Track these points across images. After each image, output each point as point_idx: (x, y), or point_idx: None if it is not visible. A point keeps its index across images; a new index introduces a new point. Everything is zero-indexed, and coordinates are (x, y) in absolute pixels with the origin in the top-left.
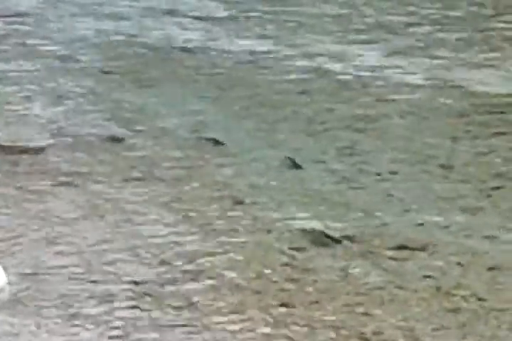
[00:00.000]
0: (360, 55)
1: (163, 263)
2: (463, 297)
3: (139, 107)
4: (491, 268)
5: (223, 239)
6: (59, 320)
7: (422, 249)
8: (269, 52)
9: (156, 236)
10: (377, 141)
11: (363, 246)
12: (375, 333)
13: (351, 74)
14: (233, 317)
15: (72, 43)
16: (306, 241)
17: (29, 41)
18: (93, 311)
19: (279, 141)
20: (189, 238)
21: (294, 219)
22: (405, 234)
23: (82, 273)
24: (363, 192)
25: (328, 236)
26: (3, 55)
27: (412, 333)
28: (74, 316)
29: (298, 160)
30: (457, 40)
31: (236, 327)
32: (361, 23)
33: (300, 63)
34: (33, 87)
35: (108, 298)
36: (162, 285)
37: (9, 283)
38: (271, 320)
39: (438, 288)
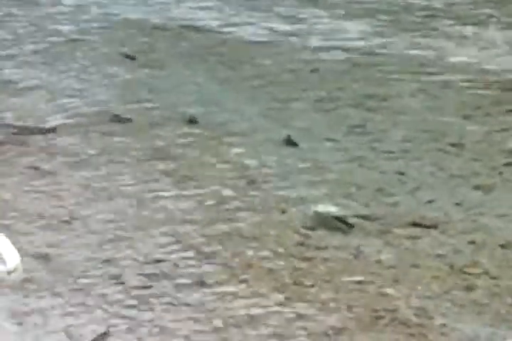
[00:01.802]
0: (371, 33)
1: (175, 242)
2: (476, 275)
3: (149, 87)
4: (503, 246)
5: (236, 218)
6: (72, 300)
7: (435, 227)
8: (279, 31)
9: (169, 216)
10: (388, 120)
11: (375, 224)
12: (387, 311)
13: (362, 52)
14: (246, 295)
15: (83, 25)
16: (319, 220)
17: (40, 21)
18: (107, 291)
19: (290, 120)
20: (201, 217)
21: (306, 198)
22: (417, 212)
23: (95, 253)
24: (374, 170)
25: (340, 216)
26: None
27: (424, 311)
28: (87, 296)
29: (308, 139)
30: (470, 16)
31: (249, 306)
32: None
33: (311, 42)
34: (42, 67)
35: (121, 277)
36: (175, 264)
37: (22, 263)
38: (283, 299)
39: (451, 266)
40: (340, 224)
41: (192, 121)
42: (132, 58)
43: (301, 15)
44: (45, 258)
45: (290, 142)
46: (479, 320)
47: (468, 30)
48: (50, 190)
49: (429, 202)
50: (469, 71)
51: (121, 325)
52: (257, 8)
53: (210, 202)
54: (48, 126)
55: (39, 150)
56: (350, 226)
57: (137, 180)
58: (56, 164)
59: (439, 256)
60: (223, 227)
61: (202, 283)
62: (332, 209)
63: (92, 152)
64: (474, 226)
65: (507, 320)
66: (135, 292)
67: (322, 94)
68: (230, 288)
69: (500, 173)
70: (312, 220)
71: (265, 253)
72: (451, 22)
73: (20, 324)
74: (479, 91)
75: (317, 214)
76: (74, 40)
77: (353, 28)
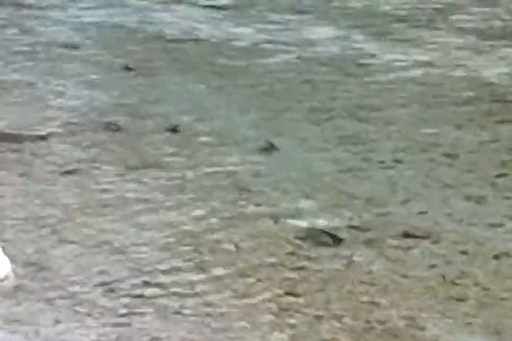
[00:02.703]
0: (363, 43)
1: (167, 251)
2: (467, 286)
3: (141, 95)
4: (495, 257)
5: (228, 227)
6: (64, 308)
7: (426, 237)
8: (271, 41)
9: (161, 224)
10: (381, 130)
11: (367, 234)
12: (379, 322)
13: (354, 62)
14: (237, 305)
15: (77, 32)
16: (311, 230)
17: (33, 28)
18: (98, 299)
19: (282, 130)
20: (194, 226)
21: (298, 208)
22: (409, 222)
23: (87, 262)
24: (367, 180)
25: (328, 230)
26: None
27: (416, 322)
28: (79, 304)
29: (302, 149)
30: (458, 28)
31: (240, 316)
32: (367, 11)
33: (303, 52)
34: (35, 74)
35: (113, 285)
36: (167, 273)
37: (13, 271)
38: (275, 309)
39: (442, 277)
40: (328, 238)
41: (175, 131)
42: (129, 69)
43: (292, 26)
44: (35, 265)
45: (271, 148)
46: (470, 331)
47: (463, 40)
48: (41, 198)
49: (421, 212)
50: (462, 81)
51: (111, 333)
52: (249, 18)
53: (200, 212)
54: (39, 133)
55: (31, 157)
56: (339, 240)
57: (128, 188)
58: (48, 172)
59: (430, 266)
60: (214, 237)
61: (193, 293)
62: (320, 222)
63: (83, 160)
64: (466, 236)
65: (498, 332)
66: (126, 300)
67: (314, 104)
68: (222, 298)
69: (493, 184)
70: (303, 227)
71: (256, 262)
72: (445, 32)
73: (11, 332)
74: (472, 102)
75: (308, 220)
76: (68, 48)
77: (344, 37)
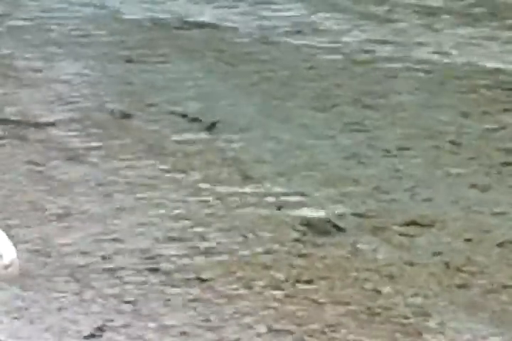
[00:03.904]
0: (369, 31)
1: (172, 238)
2: (472, 273)
3: (147, 82)
4: (500, 244)
5: (233, 214)
6: (69, 295)
7: (431, 225)
8: (277, 27)
9: (166, 211)
10: (386, 117)
11: (372, 222)
12: (384, 309)
13: (360, 49)
14: (242, 292)
15: (81, 18)
16: (316, 217)
17: (35, 18)
18: (103, 285)
19: (288, 117)
20: (199, 213)
21: (303, 194)
22: (414, 210)
23: (92, 248)
24: (372, 168)
25: (331, 220)
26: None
27: (421, 309)
28: (84, 291)
29: (307, 136)
30: (466, 15)
31: (245, 303)
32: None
33: (309, 39)
34: (40, 63)
35: (118, 272)
36: (172, 260)
37: (19, 258)
38: (281, 296)
39: (447, 264)
40: (330, 228)
41: (193, 119)
42: (126, 59)
43: (300, 13)
44: (41, 252)
45: (275, 135)
46: (475, 319)
47: (467, 31)
48: (46, 184)
49: (426, 200)
50: (468, 69)
51: (118, 320)
52: (255, 5)
53: (205, 198)
54: (46, 120)
55: (37, 144)
56: (341, 230)
57: (134, 175)
58: (53, 159)
59: (435, 254)
60: (219, 224)
61: (198, 279)
62: (325, 210)
63: (89, 147)
64: (471, 224)
65: (503, 318)
66: (131, 287)
67: (319, 90)
68: (226, 285)
69: (498, 172)
70: (308, 213)
71: (261, 249)
72: (453, 20)
73: (17, 318)
74: (477, 90)
75: (313, 206)
76: (73, 36)
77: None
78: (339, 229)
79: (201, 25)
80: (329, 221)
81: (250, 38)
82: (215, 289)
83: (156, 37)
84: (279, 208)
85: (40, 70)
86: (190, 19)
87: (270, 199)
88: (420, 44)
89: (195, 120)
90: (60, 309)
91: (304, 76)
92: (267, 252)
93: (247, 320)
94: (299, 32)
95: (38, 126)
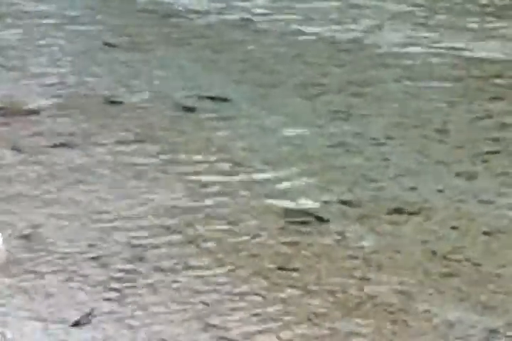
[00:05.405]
0: (355, 19)
1: (159, 226)
2: (459, 261)
3: (134, 69)
4: (486, 233)
5: (219, 202)
6: (55, 282)
7: (418, 213)
8: (264, 15)
9: (153, 199)
10: (372, 106)
11: (359, 210)
12: (370, 297)
13: (347, 38)
14: (229, 280)
15: (68, 6)
16: (303, 205)
17: (26, 5)
18: (90, 273)
19: (275, 105)
20: (185, 201)
21: (290, 182)
22: (401, 198)
23: (79, 236)
24: (358, 156)
25: (314, 211)
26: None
27: (407, 297)
28: (70, 278)
29: (293, 124)
30: (456, 4)
31: (232, 290)
32: None
33: (295, 27)
34: (29, 48)
35: (104, 260)
36: (158, 248)
37: (5, 245)
38: (267, 284)
39: (433, 253)
40: (317, 216)
41: (179, 107)
42: (112, 46)
43: (287, 1)
44: (28, 239)
45: (262, 124)
46: (462, 307)
47: (465, 20)
48: (32, 171)
49: (413, 188)
50: (454, 58)
51: (104, 307)
52: None
53: (192, 185)
54: (30, 107)
55: (22, 131)
56: (328, 218)
57: (121, 162)
58: (39, 145)
59: (421, 242)
60: (206, 211)
61: (185, 267)
62: (311, 198)
63: (75, 133)
64: (457, 212)
65: (489, 307)
66: (118, 274)
67: (306, 79)
68: (213, 272)
69: (484, 161)
70: (295, 201)
71: (248, 237)
72: (444, 13)
73: (3, 305)
74: (463, 78)
75: (300, 194)
76: (58, 23)
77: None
78: (326, 217)
79: (187, 13)
80: (316, 209)
81: (236, 26)
82: (201, 277)
83: (141, 24)
84: (265, 196)
85: (24, 57)
86: (176, 7)
87: (257, 187)
88: (406, 33)
89: (181, 107)
90: (47, 296)
91: (291, 64)
92: (254, 240)
93: (234, 307)
94: (286, 20)
95: (23, 112)
